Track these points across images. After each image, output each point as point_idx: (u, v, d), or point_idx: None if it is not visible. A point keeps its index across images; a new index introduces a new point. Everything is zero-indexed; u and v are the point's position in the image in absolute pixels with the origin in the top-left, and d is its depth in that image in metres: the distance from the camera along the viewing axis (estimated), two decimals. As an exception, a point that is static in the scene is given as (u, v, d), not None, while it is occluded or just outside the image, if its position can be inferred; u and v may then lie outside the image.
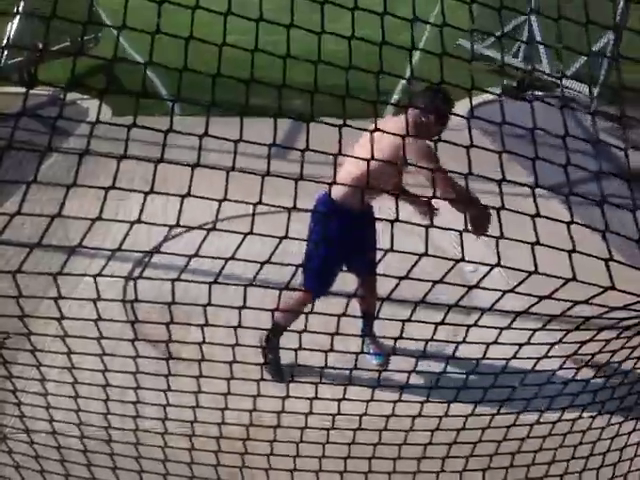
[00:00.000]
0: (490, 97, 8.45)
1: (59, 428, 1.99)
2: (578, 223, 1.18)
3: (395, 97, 7.94)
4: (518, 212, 1.17)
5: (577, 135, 1.44)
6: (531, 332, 1.54)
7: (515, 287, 1.24)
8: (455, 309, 1.47)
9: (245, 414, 1.91)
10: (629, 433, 2.07)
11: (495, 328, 1.51)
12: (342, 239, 2.93)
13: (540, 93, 8.59)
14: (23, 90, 7.72)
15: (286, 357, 3.24)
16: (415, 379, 1.80)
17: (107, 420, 1.90)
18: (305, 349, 1.59)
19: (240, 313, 1.47)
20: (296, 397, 1.79)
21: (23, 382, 1.90)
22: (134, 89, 1.20)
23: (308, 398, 1.82)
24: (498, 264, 1.17)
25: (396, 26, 1.33)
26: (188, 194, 1.17)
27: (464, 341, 1.57)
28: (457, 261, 1.22)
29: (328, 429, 1.91)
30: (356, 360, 1.70)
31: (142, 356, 1.67)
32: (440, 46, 1.33)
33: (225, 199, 1.18)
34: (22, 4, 7.80)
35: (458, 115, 1.41)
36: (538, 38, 8.82)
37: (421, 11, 1.60)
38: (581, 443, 2.00)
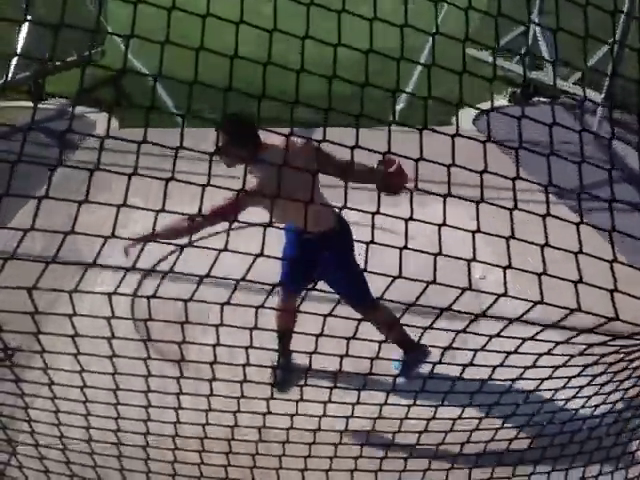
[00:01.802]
0: (497, 103, 8.47)
1: (69, 442, 1.99)
2: (587, 224, 1.17)
3: (398, 106, 7.94)
4: (525, 241, 1.17)
5: (584, 140, 1.43)
6: (536, 357, 1.54)
7: (521, 316, 1.24)
8: (464, 318, 1.47)
9: (257, 417, 1.91)
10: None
11: (499, 352, 1.51)
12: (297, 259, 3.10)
13: (546, 99, 8.58)
14: (31, 104, 7.78)
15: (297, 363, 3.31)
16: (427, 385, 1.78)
17: (117, 425, 1.90)
18: (315, 370, 1.59)
19: (251, 333, 1.48)
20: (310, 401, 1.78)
21: (34, 394, 1.90)
22: (141, 101, 1.21)
23: (321, 401, 1.81)
24: (505, 294, 1.17)
25: (399, 32, 1.34)
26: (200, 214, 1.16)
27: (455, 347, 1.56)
28: (464, 289, 1.22)
29: (341, 431, 1.91)
30: (369, 372, 1.69)
31: (155, 375, 1.67)
32: (444, 52, 1.33)
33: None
34: (29, 17, 7.88)
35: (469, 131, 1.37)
36: (542, 45, 8.81)
37: (425, 17, 1.60)
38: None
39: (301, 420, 1.86)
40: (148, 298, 1.35)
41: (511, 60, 9.38)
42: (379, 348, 1.56)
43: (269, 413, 1.80)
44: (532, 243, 1.20)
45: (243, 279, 1.28)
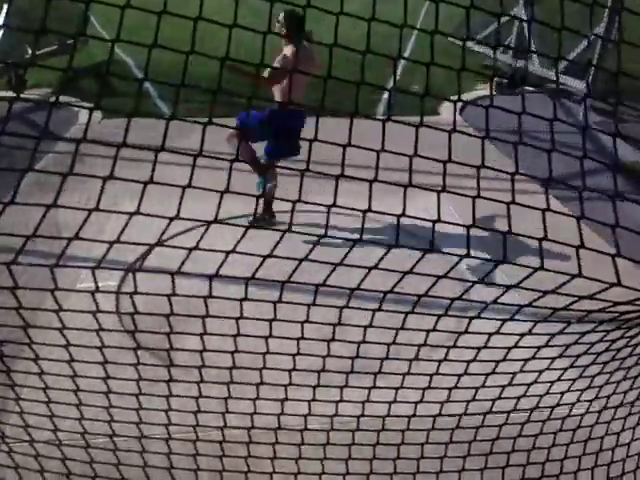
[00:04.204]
0: (483, 94, 8.47)
1: (62, 437, 1.96)
2: (587, 218, 1.16)
3: (385, 96, 7.92)
4: (528, 206, 1.15)
5: (569, 128, 1.42)
6: (532, 324, 1.52)
7: (520, 282, 1.23)
8: (452, 312, 1.46)
9: (246, 417, 1.89)
10: (625, 417, 2.05)
11: (497, 319, 1.50)
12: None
13: (532, 88, 8.61)
14: (11, 94, 7.64)
15: (286, 363, 3.28)
16: (412, 380, 1.78)
17: (111, 428, 1.87)
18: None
19: (240, 307, 1.44)
20: (297, 400, 1.77)
21: (23, 391, 1.87)
22: (125, 91, 1.17)
23: (308, 400, 1.80)
24: (504, 260, 1.15)
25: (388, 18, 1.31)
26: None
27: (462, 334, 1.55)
28: (462, 257, 1.20)
29: (328, 430, 1.90)
30: (352, 363, 1.68)
31: (143, 363, 1.64)
32: (431, 43, 1.30)
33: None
34: (6, 6, 7.72)
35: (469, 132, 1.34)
36: (529, 34, 8.83)
37: (412, 5, 1.58)
38: (579, 426, 1.98)
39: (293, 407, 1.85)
40: (131, 293, 1.33)
41: (497, 49, 9.39)
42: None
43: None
44: (531, 237, 1.19)
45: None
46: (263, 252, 1.23)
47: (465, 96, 7.78)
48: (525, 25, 8.76)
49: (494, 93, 8.72)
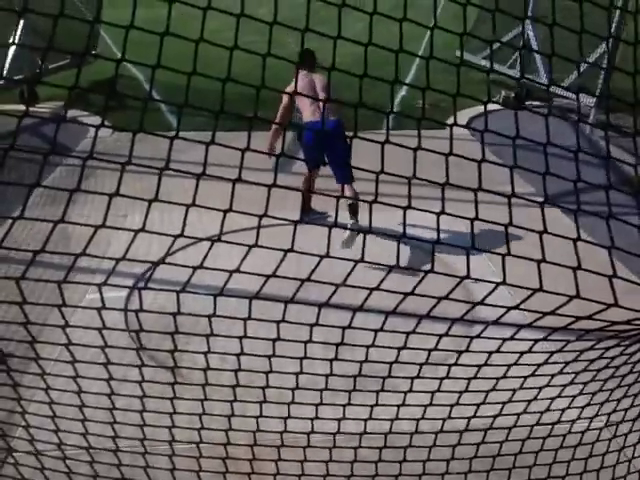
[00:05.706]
0: (489, 108, 8.49)
1: (68, 453, 1.96)
2: (585, 240, 1.17)
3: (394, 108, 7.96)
4: (526, 229, 1.16)
5: (576, 143, 1.42)
6: (532, 342, 1.52)
7: (519, 304, 1.23)
8: (457, 324, 1.46)
9: (250, 433, 1.89)
10: (626, 434, 2.03)
11: (497, 339, 1.50)
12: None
13: (538, 103, 8.63)
14: (23, 108, 7.74)
15: (288, 381, 3.27)
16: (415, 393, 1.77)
17: (115, 443, 1.87)
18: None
19: (245, 324, 1.45)
20: (299, 418, 1.77)
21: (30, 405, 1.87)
22: (134, 105, 1.19)
23: (310, 418, 1.80)
24: (503, 282, 1.16)
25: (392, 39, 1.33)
26: (193, 204, 1.16)
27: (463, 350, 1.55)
28: (463, 278, 1.20)
29: (331, 448, 1.89)
30: (355, 380, 1.68)
31: (148, 380, 1.65)
32: (438, 55, 1.32)
33: (230, 210, 1.17)
34: (22, 22, 7.86)
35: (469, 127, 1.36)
36: (535, 48, 8.87)
37: (422, 18, 1.59)
38: (580, 443, 1.97)
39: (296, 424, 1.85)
40: (137, 311, 1.34)
41: (504, 63, 9.44)
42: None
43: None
44: (529, 259, 1.19)
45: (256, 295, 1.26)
46: (270, 264, 1.24)
47: (470, 110, 7.81)
48: (531, 40, 8.79)
49: (501, 108, 8.75)
